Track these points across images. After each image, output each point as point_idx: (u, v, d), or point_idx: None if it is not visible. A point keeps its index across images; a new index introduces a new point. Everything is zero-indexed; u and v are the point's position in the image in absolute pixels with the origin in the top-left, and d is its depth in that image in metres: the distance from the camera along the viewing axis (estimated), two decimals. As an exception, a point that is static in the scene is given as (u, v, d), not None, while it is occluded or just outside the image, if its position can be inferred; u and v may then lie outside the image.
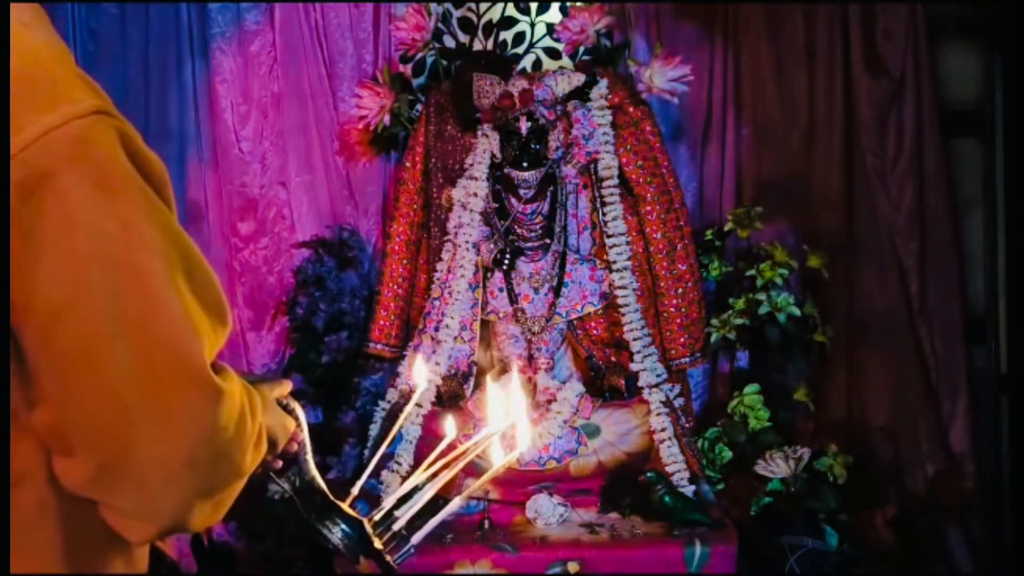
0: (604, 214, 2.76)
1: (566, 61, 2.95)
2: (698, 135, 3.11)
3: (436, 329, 2.74)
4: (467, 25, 3.04)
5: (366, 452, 2.77)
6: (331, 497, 1.14)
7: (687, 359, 2.83)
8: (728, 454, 2.73)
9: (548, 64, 3.00)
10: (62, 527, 0.89)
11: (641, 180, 2.81)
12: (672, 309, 2.81)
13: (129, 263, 0.82)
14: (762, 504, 2.61)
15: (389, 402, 2.79)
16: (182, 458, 0.84)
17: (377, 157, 3.10)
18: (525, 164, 2.74)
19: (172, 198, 0.90)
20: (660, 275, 2.81)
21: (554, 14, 2.99)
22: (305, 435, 1.15)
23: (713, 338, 2.82)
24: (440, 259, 2.82)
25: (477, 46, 3.02)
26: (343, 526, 1.12)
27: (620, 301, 2.71)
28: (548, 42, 3.01)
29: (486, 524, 2.50)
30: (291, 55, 3.07)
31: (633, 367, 2.67)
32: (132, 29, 3.02)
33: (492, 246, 2.77)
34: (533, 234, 2.80)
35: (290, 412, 1.14)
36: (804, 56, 2.99)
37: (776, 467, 2.60)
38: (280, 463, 1.12)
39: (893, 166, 2.91)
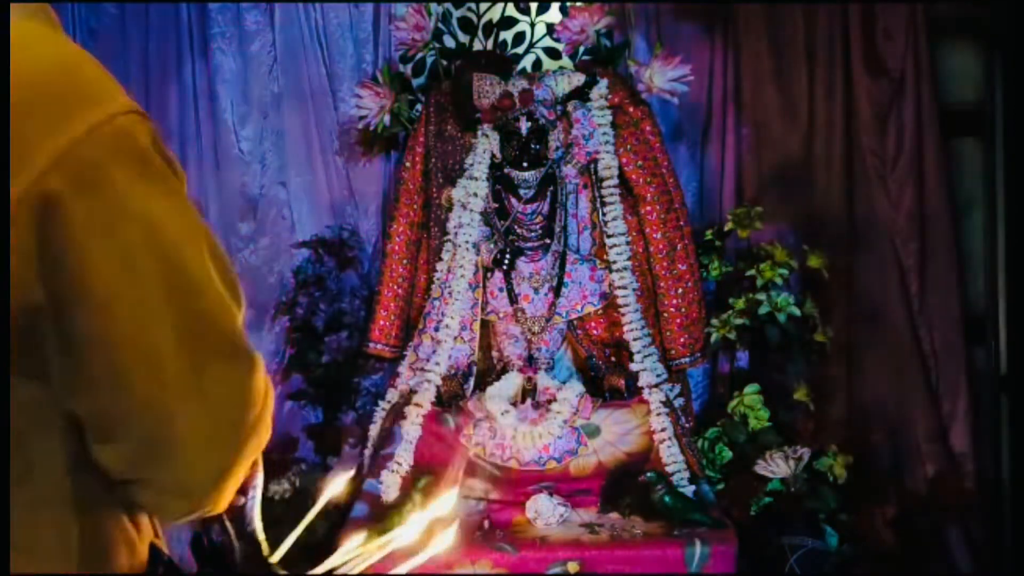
0: (604, 214, 2.76)
1: (566, 61, 2.95)
2: (698, 135, 3.11)
3: (436, 329, 2.74)
4: (467, 25, 3.04)
5: (366, 452, 2.78)
6: (264, 553, 1.12)
7: (687, 359, 2.83)
8: (728, 454, 2.73)
9: (548, 64, 3.00)
10: (76, 520, 0.91)
11: (641, 180, 2.81)
12: (672, 309, 2.81)
13: (173, 249, 0.87)
14: (762, 504, 2.61)
15: (389, 402, 2.79)
16: (220, 426, 0.89)
17: (377, 157, 3.10)
18: (525, 164, 2.74)
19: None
20: (660, 275, 2.81)
21: (554, 14, 2.99)
22: (260, 479, 1.13)
23: (713, 338, 2.82)
24: (440, 259, 2.82)
25: (477, 46, 3.02)
26: None
27: (620, 301, 2.71)
28: (548, 42, 3.01)
29: (486, 524, 2.50)
30: (291, 55, 3.07)
31: (633, 367, 2.67)
32: (132, 29, 3.03)
33: (492, 246, 2.77)
34: (533, 234, 2.80)
35: None
36: (804, 56, 2.99)
37: (776, 467, 2.60)
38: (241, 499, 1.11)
39: (893, 166, 2.91)
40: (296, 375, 2.98)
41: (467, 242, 2.74)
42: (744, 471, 2.66)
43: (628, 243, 2.75)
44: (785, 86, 3.02)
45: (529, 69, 2.98)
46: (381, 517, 2.44)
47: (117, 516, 0.94)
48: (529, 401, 2.69)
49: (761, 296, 2.76)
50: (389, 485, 2.57)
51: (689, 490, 2.56)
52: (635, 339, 2.68)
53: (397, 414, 2.69)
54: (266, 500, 1.12)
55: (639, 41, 2.98)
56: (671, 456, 2.59)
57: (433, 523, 1.16)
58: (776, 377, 2.81)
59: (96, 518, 0.92)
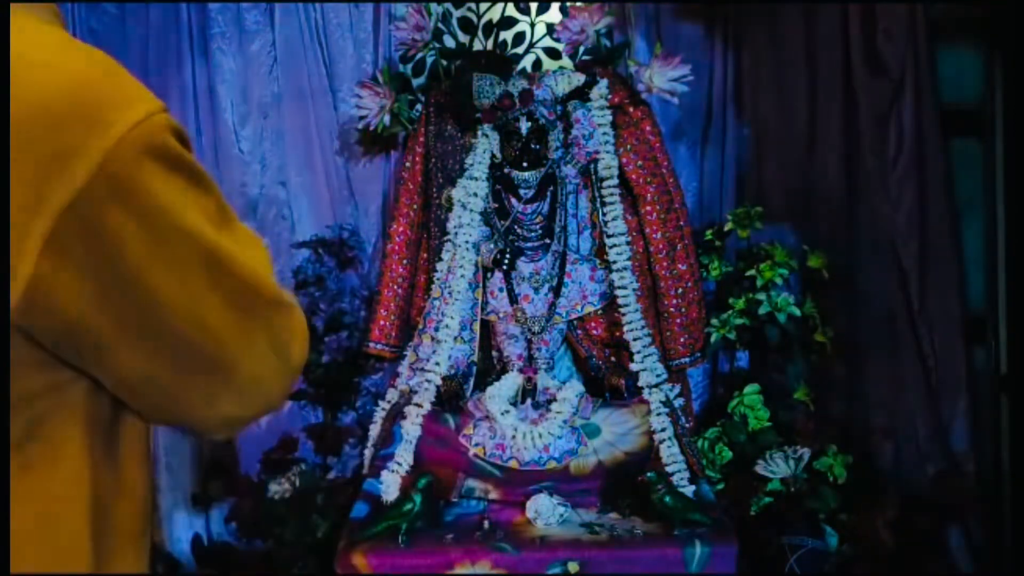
0: (604, 214, 2.75)
1: (566, 61, 2.95)
2: (698, 135, 3.11)
3: (436, 329, 2.73)
4: (467, 25, 3.04)
5: (366, 452, 2.78)
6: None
7: (687, 359, 2.83)
8: (728, 454, 2.73)
9: (548, 64, 3.00)
10: (91, 508, 0.93)
11: (641, 180, 2.81)
12: (672, 309, 2.81)
13: (209, 229, 0.93)
14: (762, 504, 2.61)
15: (389, 402, 2.79)
16: (281, 357, 1.01)
17: (377, 157, 3.10)
18: (525, 164, 2.74)
19: None
20: (660, 275, 2.81)
21: (554, 14, 3.00)
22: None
23: (713, 338, 2.82)
24: (440, 259, 2.82)
25: (477, 46, 3.02)
26: None
27: (620, 301, 2.71)
28: (548, 42, 3.01)
29: (486, 524, 2.50)
30: (291, 55, 3.07)
31: (633, 367, 2.67)
32: (132, 29, 3.02)
33: (492, 246, 2.77)
34: (533, 234, 2.80)
35: None
36: (804, 56, 2.99)
37: (776, 467, 2.60)
38: None
39: (893, 166, 2.91)
40: (296, 375, 2.98)
41: (467, 242, 2.74)
42: (744, 471, 2.66)
43: (628, 243, 2.75)
44: (785, 86, 3.02)
45: (529, 69, 2.98)
46: (381, 517, 2.44)
47: (128, 515, 0.98)
48: (529, 401, 2.70)
49: (761, 296, 2.76)
50: (389, 485, 2.56)
51: (689, 490, 2.55)
52: (635, 339, 2.68)
53: (397, 414, 2.69)
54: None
55: (639, 41, 2.98)
56: (671, 456, 2.59)
57: None
58: (776, 377, 2.81)
59: (108, 513, 0.95)
